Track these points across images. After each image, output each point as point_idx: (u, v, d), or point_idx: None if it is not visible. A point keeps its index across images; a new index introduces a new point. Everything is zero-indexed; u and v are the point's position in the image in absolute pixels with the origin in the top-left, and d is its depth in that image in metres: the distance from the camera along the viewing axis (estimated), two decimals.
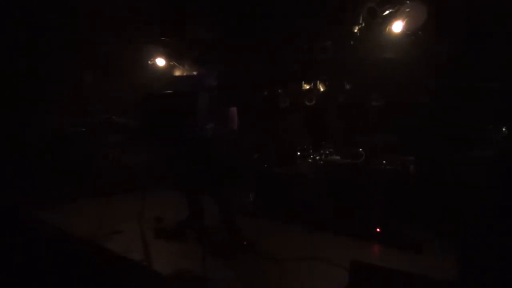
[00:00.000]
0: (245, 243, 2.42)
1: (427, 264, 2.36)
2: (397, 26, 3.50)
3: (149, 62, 5.37)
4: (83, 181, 3.61)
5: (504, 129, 2.56)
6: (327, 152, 3.70)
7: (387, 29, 3.63)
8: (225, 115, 3.00)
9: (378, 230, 3.02)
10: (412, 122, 3.70)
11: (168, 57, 5.31)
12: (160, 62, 5.30)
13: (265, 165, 4.01)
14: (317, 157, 3.68)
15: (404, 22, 3.42)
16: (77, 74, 4.39)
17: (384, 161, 3.22)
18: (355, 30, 3.85)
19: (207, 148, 2.63)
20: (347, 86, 4.48)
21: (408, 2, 3.29)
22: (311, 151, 3.78)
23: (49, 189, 3.17)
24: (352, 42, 3.97)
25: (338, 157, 3.62)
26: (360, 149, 3.45)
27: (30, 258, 1.63)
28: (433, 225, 3.11)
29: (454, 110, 3.45)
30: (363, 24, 3.66)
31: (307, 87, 4.92)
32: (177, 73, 5.89)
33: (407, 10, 3.32)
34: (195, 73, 5.77)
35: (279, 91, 4.99)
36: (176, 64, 5.62)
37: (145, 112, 2.20)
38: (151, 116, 2.18)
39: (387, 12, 3.47)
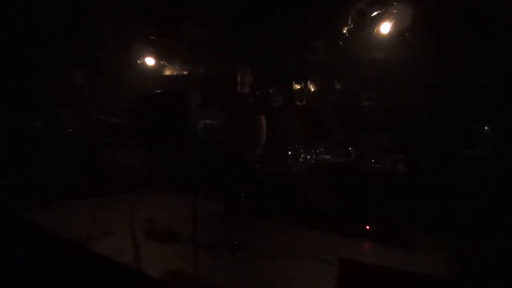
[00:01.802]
0: (236, 243, 2.42)
1: (421, 261, 2.42)
2: (385, 27, 3.57)
3: (138, 61, 5.30)
4: (74, 182, 3.54)
5: (487, 128, 2.65)
6: (318, 151, 3.75)
7: (375, 30, 3.70)
8: (252, 126, 2.99)
9: (367, 227, 3.08)
10: (402, 121, 3.79)
11: (158, 56, 5.25)
12: (150, 61, 5.24)
13: (257, 165, 4.02)
14: (308, 157, 3.72)
15: (392, 23, 3.50)
16: (68, 74, 4.31)
17: (373, 160, 3.28)
18: (344, 31, 3.92)
19: (202, 147, 2.64)
20: (338, 86, 4.54)
21: (395, 4, 3.36)
22: (302, 150, 3.82)
23: (40, 190, 3.10)
24: (341, 43, 4.04)
25: (328, 157, 3.67)
26: (350, 148, 3.50)
27: (17, 260, 1.59)
28: (426, 222, 3.20)
29: (444, 109, 3.55)
30: (352, 25, 3.73)
31: (298, 87, 4.96)
32: (167, 72, 5.84)
33: (395, 11, 3.40)
34: (185, 72, 5.75)
35: (271, 91, 5.01)
36: (166, 64, 5.56)
37: (136, 112, 2.17)
38: (143, 116, 2.15)
39: (375, 13, 3.54)
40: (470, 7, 3.14)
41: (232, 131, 2.98)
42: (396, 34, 3.57)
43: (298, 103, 4.78)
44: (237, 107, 3.01)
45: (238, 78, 3.10)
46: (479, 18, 3.13)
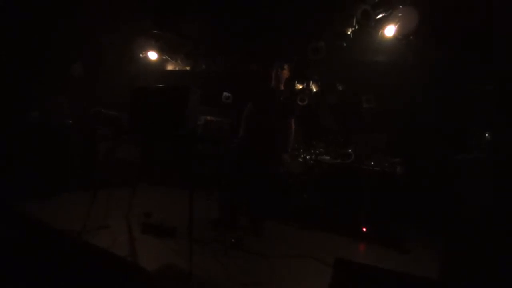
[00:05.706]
0: (233, 240, 2.42)
1: (416, 264, 2.44)
2: (390, 30, 3.56)
3: (141, 55, 5.27)
4: (71, 175, 3.53)
5: (487, 135, 2.64)
6: (317, 152, 3.73)
7: (379, 32, 3.69)
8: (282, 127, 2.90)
9: (364, 229, 3.08)
10: (401, 124, 3.78)
11: (160, 50, 5.22)
12: (152, 55, 5.21)
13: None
14: (307, 157, 3.71)
15: (397, 26, 3.48)
16: (66, 67, 4.29)
17: (372, 162, 3.28)
18: (348, 32, 3.89)
19: (198, 144, 2.62)
20: (339, 87, 4.52)
21: (401, 7, 3.35)
22: (301, 150, 3.80)
23: (36, 183, 3.08)
24: (345, 44, 4.01)
25: (328, 157, 3.65)
26: (350, 150, 3.49)
27: (10, 253, 1.58)
28: (422, 225, 3.20)
29: (445, 112, 3.54)
30: (357, 27, 3.71)
31: (300, 87, 4.94)
32: (170, 67, 5.82)
33: (400, 14, 3.38)
34: (187, 68, 5.73)
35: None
36: (169, 58, 5.54)
37: (135, 106, 2.16)
38: (142, 111, 2.14)
39: (380, 15, 3.52)
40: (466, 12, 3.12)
41: (259, 130, 2.87)
42: (400, 37, 3.56)
43: (299, 103, 4.76)
44: (269, 104, 2.88)
45: (273, 73, 2.95)
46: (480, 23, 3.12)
